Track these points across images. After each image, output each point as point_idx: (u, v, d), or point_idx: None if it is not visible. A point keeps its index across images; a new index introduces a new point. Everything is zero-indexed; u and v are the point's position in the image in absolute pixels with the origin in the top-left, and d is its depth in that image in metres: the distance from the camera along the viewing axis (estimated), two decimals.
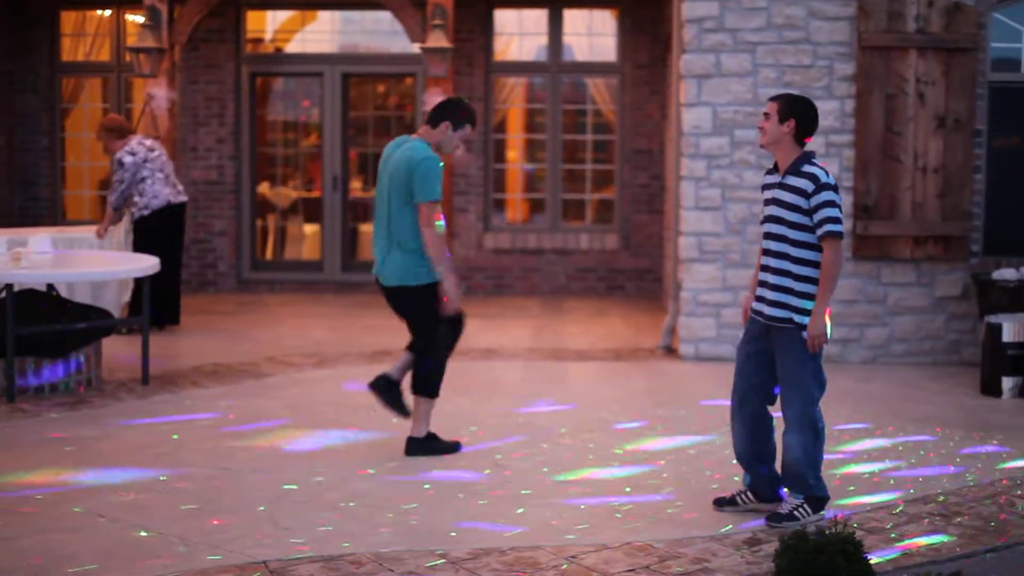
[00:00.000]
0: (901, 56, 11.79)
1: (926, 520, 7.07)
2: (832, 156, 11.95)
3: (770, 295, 7.01)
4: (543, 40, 16.81)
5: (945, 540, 6.71)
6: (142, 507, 7.14)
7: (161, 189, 12.86)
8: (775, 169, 7.11)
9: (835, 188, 6.90)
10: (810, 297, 6.92)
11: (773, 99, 7.10)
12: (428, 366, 8.37)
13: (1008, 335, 10.59)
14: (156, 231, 12.87)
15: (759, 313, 7.09)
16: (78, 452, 8.38)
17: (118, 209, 13.00)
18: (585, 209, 16.87)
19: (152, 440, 8.73)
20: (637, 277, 16.54)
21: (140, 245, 12.83)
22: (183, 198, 13.14)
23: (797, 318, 6.93)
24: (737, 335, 11.97)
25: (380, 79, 17.36)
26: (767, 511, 7.11)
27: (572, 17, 16.84)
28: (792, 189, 6.95)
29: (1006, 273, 11.38)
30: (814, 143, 11.90)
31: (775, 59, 11.96)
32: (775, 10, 11.95)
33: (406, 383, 8.53)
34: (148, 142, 13.02)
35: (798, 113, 7.02)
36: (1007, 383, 10.60)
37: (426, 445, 8.45)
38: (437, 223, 8.19)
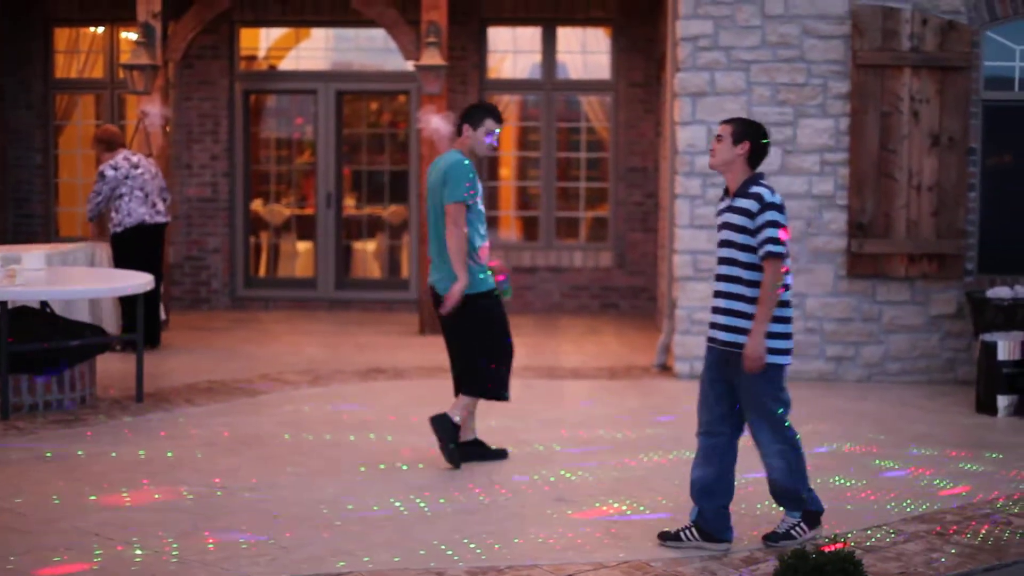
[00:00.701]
0: (895, 74, 11.81)
1: (924, 539, 7.06)
2: (827, 174, 11.95)
3: (723, 320, 6.91)
4: (537, 58, 16.83)
5: (943, 559, 6.70)
6: (136, 525, 7.11)
7: (136, 208, 12.80)
8: (727, 193, 7.02)
9: (780, 208, 6.79)
10: (778, 320, 6.84)
11: (726, 122, 7.03)
12: (482, 366, 8.59)
13: (1003, 353, 10.59)
14: (131, 250, 12.81)
15: (714, 340, 6.96)
16: (72, 470, 8.35)
17: (92, 220, 13.05)
18: (579, 227, 16.87)
19: (146, 458, 8.70)
20: (631, 295, 16.53)
21: (116, 262, 12.84)
22: (160, 219, 13.04)
23: (770, 343, 6.83)
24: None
25: (374, 96, 17.36)
26: (710, 550, 6.86)
27: (566, 35, 16.86)
28: (740, 211, 6.85)
29: (1001, 291, 11.37)
30: (809, 160, 11.92)
31: (769, 77, 11.97)
32: (769, 28, 11.96)
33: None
34: (134, 158, 12.97)
35: (752, 137, 6.95)
36: (1002, 401, 10.60)
37: (449, 431, 8.53)
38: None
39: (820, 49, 11.94)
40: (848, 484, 8.24)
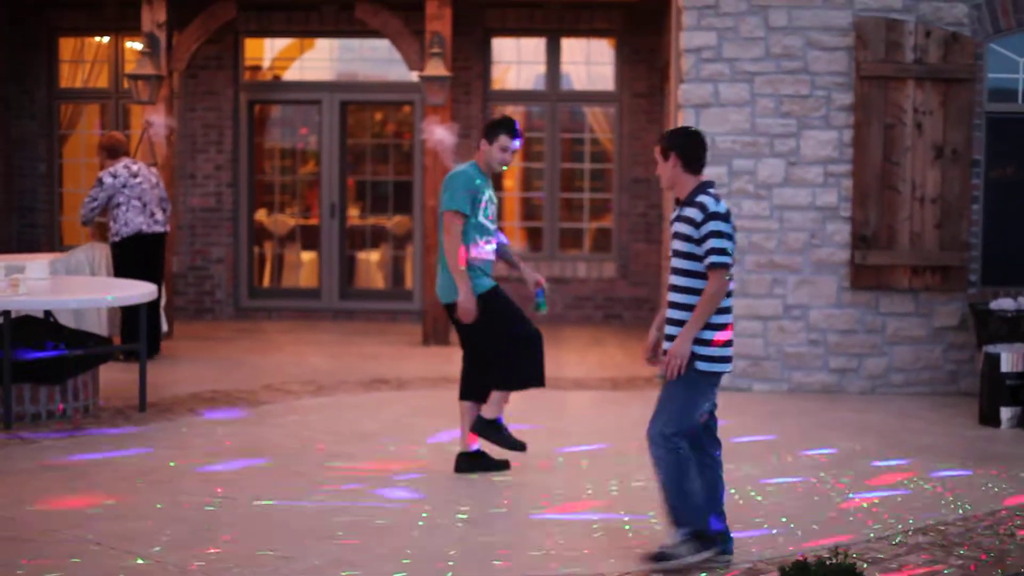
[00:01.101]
0: (899, 86, 11.81)
1: (926, 551, 7.05)
2: (830, 186, 11.96)
3: (670, 329, 6.85)
4: (541, 69, 16.84)
5: (946, 571, 6.69)
6: (138, 534, 7.11)
7: (134, 217, 12.80)
8: (677, 203, 6.94)
9: (725, 217, 6.69)
10: (708, 327, 6.75)
11: (657, 143, 7.00)
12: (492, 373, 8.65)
13: (1006, 365, 10.59)
14: (129, 259, 12.81)
15: (664, 350, 6.92)
16: (74, 479, 8.35)
17: (86, 224, 13.08)
18: (583, 238, 16.87)
19: (149, 467, 8.71)
20: (635, 306, 16.53)
21: (116, 271, 12.85)
22: (159, 228, 13.03)
23: (694, 348, 6.78)
24: (735, 364, 11.96)
25: (378, 107, 17.38)
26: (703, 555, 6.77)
27: (570, 46, 16.87)
28: (686, 220, 6.77)
29: (1004, 303, 11.37)
30: (813, 172, 11.92)
31: (773, 89, 11.98)
32: (773, 40, 11.97)
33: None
34: (134, 167, 12.95)
35: (677, 145, 6.86)
36: (1005, 413, 10.59)
37: (488, 429, 8.65)
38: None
39: (824, 61, 11.95)
40: (851, 496, 8.23)
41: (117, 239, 12.85)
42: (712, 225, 6.67)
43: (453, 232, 8.48)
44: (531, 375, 8.74)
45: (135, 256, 12.82)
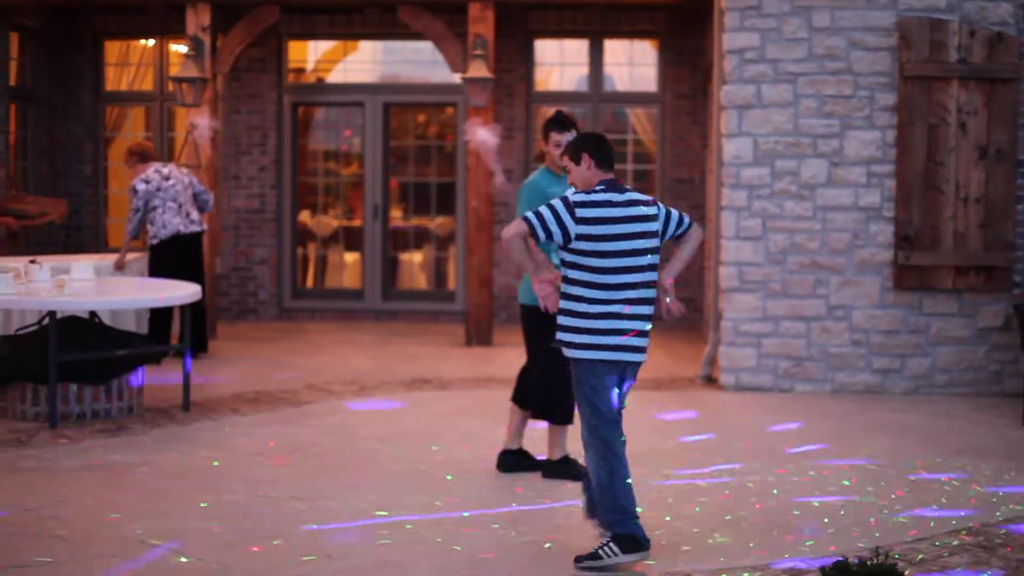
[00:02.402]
0: (943, 86, 11.76)
1: (969, 551, 7.01)
2: (873, 186, 11.92)
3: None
4: (584, 70, 16.84)
5: (988, 572, 6.66)
6: (182, 533, 7.16)
7: (171, 219, 12.87)
8: None
9: (566, 200, 6.69)
10: (569, 314, 6.75)
11: (564, 154, 7.03)
12: (535, 384, 8.54)
13: None
14: (167, 260, 12.89)
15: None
16: (118, 478, 8.41)
17: (136, 237, 13.11)
18: None
19: (192, 467, 8.76)
20: None
21: (153, 273, 12.92)
22: (195, 228, 13.08)
23: (562, 335, 6.81)
24: (778, 365, 11.95)
25: (421, 109, 17.43)
26: (631, 559, 6.69)
27: (613, 47, 16.87)
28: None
29: None
30: (856, 172, 11.89)
31: (816, 89, 11.95)
32: (816, 40, 11.94)
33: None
34: (165, 170, 13.00)
35: (586, 147, 6.89)
36: None
37: (560, 468, 8.54)
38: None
39: (867, 61, 11.91)
40: (894, 496, 8.20)
41: (156, 241, 12.92)
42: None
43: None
44: (550, 410, 8.59)
45: (173, 257, 12.90)
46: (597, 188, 6.81)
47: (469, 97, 14.27)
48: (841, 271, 11.97)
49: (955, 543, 7.18)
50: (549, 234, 6.69)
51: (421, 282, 17.33)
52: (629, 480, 6.76)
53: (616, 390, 6.82)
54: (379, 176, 16.89)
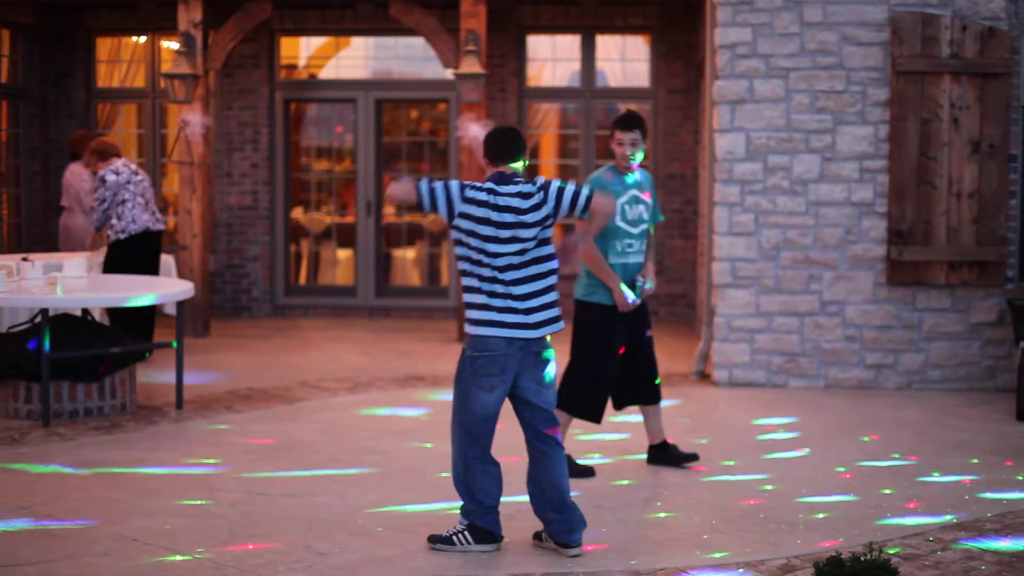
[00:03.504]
0: (935, 81, 11.77)
1: (963, 548, 7.02)
2: (866, 182, 11.92)
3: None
4: (576, 66, 16.84)
5: (982, 567, 6.66)
6: (176, 531, 7.15)
7: (140, 214, 12.68)
8: None
9: (446, 185, 6.82)
10: (470, 307, 6.87)
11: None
12: (565, 380, 8.68)
13: None
14: (130, 257, 12.66)
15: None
16: (111, 476, 8.40)
17: (99, 229, 12.85)
18: None
19: (185, 464, 8.75)
20: (670, 302, 16.52)
21: (111, 269, 12.63)
22: (161, 226, 12.94)
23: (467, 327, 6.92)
24: (771, 361, 11.96)
25: (413, 105, 17.43)
26: (569, 556, 6.82)
27: (605, 43, 16.87)
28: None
29: None
30: (848, 167, 11.89)
31: (808, 84, 11.95)
32: (808, 36, 11.94)
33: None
34: (133, 166, 12.86)
35: (484, 142, 7.00)
36: None
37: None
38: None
39: (859, 56, 11.91)
40: (887, 492, 8.21)
41: (124, 236, 12.64)
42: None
43: (586, 236, 8.46)
44: (593, 410, 8.72)
45: (139, 253, 12.70)
46: (484, 181, 6.92)
47: (461, 93, 14.27)
48: (834, 267, 11.98)
49: (949, 538, 7.19)
50: (435, 206, 6.82)
51: (414, 278, 17.33)
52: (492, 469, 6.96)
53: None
54: (372, 172, 16.88)
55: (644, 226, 8.65)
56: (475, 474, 6.92)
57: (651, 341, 8.84)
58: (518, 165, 6.98)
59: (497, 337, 6.82)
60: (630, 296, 8.55)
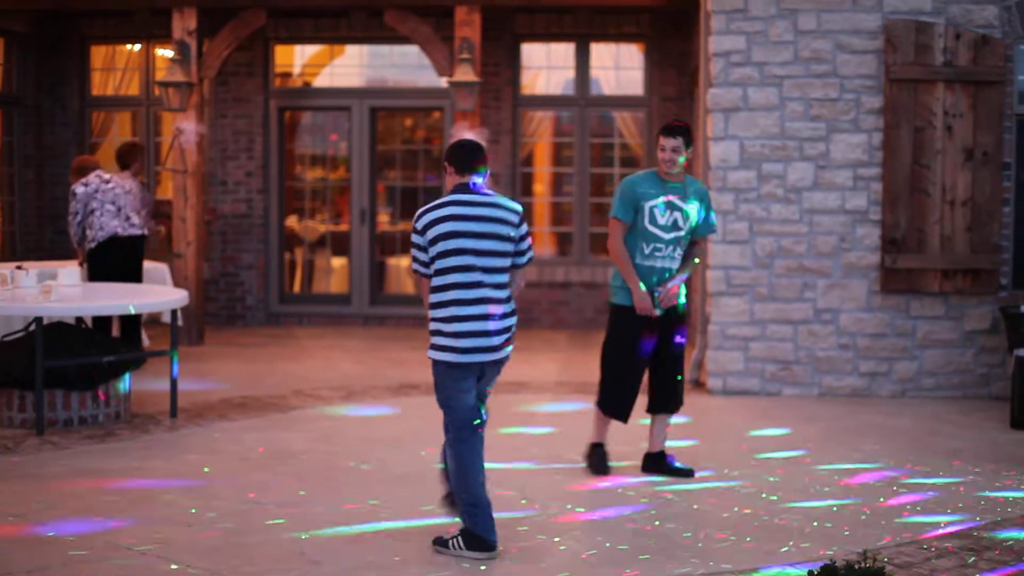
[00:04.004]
0: (929, 89, 11.78)
1: (957, 554, 7.03)
2: (860, 189, 11.93)
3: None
4: (570, 74, 16.86)
5: (976, 575, 6.67)
6: (170, 539, 7.15)
7: (108, 221, 12.60)
8: None
9: (417, 226, 6.96)
10: (434, 320, 6.96)
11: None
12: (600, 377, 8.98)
13: None
14: (104, 264, 12.63)
15: None
16: (107, 484, 8.39)
17: (80, 244, 12.80)
18: None
19: (180, 473, 8.74)
20: None
21: (93, 278, 12.63)
22: (135, 231, 12.79)
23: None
24: (765, 369, 11.97)
25: (408, 113, 17.43)
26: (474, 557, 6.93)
27: (599, 51, 16.88)
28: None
29: None
30: (842, 175, 11.91)
31: (802, 92, 11.97)
32: (802, 44, 11.96)
33: None
34: (106, 175, 12.80)
35: (448, 157, 7.17)
36: None
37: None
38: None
39: (853, 64, 11.93)
40: (882, 500, 8.22)
41: (93, 244, 12.63)
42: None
43: (612, 236, 8.74)
44: (615, 407, 8.89)
45: (112, 259, 12.65)
46: (440, 199, 7.07)
47: (456, 101, 14.28)
48: (828, 274, 11.99)
49: (943, 546, 7.19)
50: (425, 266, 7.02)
51: (408, 287, 17.32)
52: (477, 468, 7.03)
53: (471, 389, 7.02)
54: (366, 180, 16.89)
55: (678, 233, 8.67)
56: (462, 474, 7.01)
57: (679, 349, 8.88)
58: (480, 179, 7.11)
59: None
60: (649, 301, 8.65)
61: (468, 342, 6.87)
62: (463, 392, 6.96)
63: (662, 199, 8.63)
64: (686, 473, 8.82)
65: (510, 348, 7.06)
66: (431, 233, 6.89)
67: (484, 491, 6.98)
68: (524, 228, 7.07)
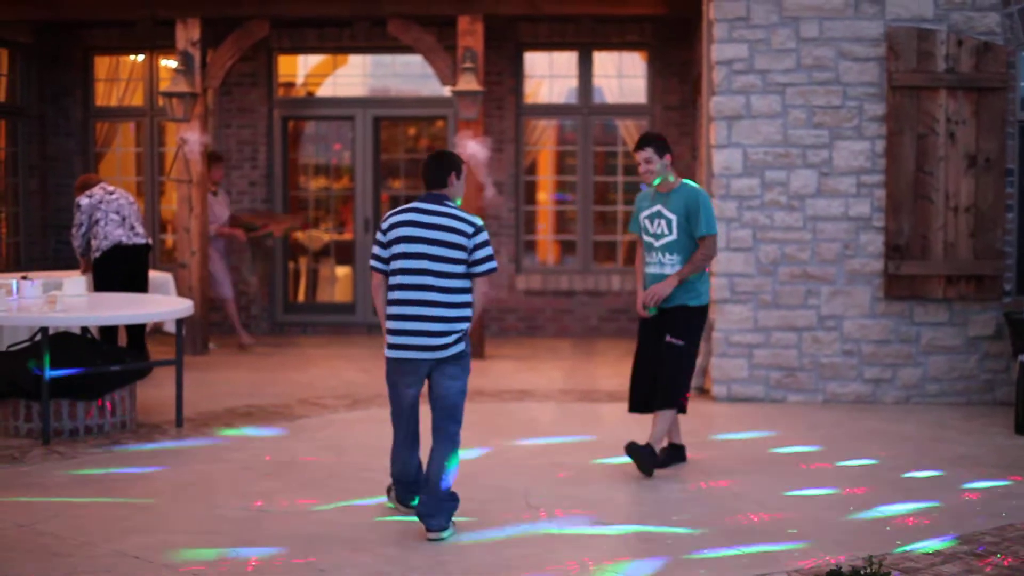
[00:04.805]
0: (931, 96, 11.80)
1: (962, 560, 7.04)
2: (863, 196, 11.95)
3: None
4: (573, 82, 16.88)
5: None
6: (176, 548, 7.16)
7: (112, 231, 12.63)
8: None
9: (382, 226, 7.67)
10: (386, 318, 7.63)
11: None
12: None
13: None
14: (109, 273, 12.64)
15: None
16: (111, 493, 8.41)
17: (84, 255, 12.85)
18: (616, 250, 16.89)
19: (186, 481, 8.76)
20: None
21: (98, 288, 12.65)
22: (140, 240, 12.81)
23: None
24: (770, 376, 11.97)
25: (411, 122, 17.45)
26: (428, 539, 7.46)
27: (602, 59, 16.90)
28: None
29: None
30: (846, 182, 11.93)
31: (805, 100, 11.98)
32: (804, 51, 11.98)
33: None
34: (110, 188, 12.86)
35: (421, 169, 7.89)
36: None
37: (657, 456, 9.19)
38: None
39: (855, 71, 11.95)
40: (887, 506, 8.22)
41: (99, 254, 12.65)
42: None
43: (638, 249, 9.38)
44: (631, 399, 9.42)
45: (117, 268, 12.67)
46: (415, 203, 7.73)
47: (459, 110, 14.30)
48: (832, 281, 12.00)
49: (948, 552, 7.20)
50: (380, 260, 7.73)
51: None
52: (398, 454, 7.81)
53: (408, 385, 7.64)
54: (370, 189, 16.91)
55: (668, 239, 9.14)
56: (394, 457, 7.86)
57: (671, 348, 9.13)
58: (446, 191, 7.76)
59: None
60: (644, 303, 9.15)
61: (405, 339, 7.51)
62: (402, 387, 7.60)
63: (652, 209, 9.22)
64: (643, 468, 9.03)
65: (460, 347, 7.56)
66: (391, 235, 7.59)
67: (404, 471, 7.79)
68: (480, 239, 7.55)
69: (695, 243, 9.09)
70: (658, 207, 9.16)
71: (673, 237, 9.10)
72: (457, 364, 7.56)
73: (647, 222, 9.20)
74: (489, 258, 7.56)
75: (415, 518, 7.69)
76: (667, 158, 9.14)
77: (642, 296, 9.15)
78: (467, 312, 7.55)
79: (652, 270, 9.18)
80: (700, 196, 9.13)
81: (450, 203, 7.63)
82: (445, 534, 7.43)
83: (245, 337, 15.27)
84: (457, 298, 7.51)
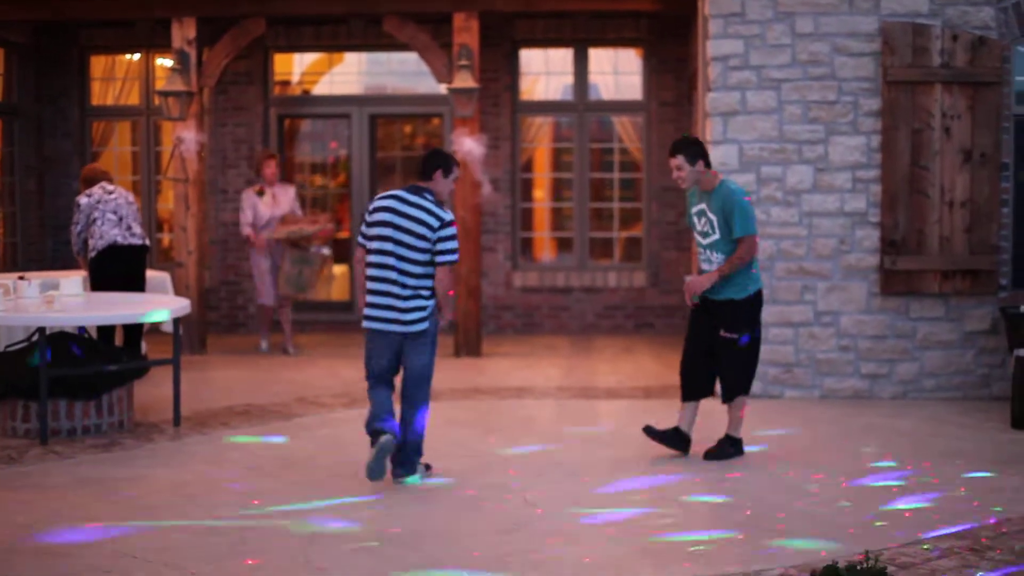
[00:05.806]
0: (926, 91, 11.81)
1: (958, 555, 7.05)
2: (859, 191, 11.96)
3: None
4: (569, 79, 16.89)
5: (978, 575, 6.69)
6: (175, 548, 7.17)
7: (109, 230, 12.59)
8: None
9: (368, 207, 8.80)
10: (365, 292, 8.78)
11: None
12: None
13: None
14: (105, 272, 12.61)
15: None
16: (110, 494, 8.42)
17: (80, 253, 12.84)
18: (613, 247, 16.90)
19: (184, 481, 8.77)
20: (666, 314, 16.55)
21: (93, 287, 12.63)
22: (136, 240, 12.75)
23: None
24: (767, 371, 11.98)
25: (407, 120, 17.46)
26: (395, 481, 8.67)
27: (597, 56, 16.91)
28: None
29: None
30: (841, 177, 11.94)
31: (800, 95, 11.99)
32: (800, 47, 11.99)
33: None
34: (110, 187, 12.83)
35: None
36: None
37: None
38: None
39: (851, 67, 11.96)
40: (883, 500, 8.23)
41: (94, 253, 12.63)
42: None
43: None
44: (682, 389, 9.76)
45: (112, 268, 12.63)
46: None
47: (455, 107, 14.31)
48: (828, 277, 12.01)
49: (944, 546, 7.21)
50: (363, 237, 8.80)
51: None
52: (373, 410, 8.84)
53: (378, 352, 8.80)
54: (366, 187, 16.92)
55: (713, 238, 9.37)
56: (371, 413, 8.84)
57: (728, 343, 9.45)
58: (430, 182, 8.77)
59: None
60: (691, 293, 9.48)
61: (374, 312, 8.72)
62: (375, 356, 8.81)
63: (699, 206, 9.46)
64: (678, 445, 9.58)
65: (422, 326, 8.62)
66: (373, 217, 8.66)
67: (378, 426, 8.70)
68: (445, 233, 8.51)
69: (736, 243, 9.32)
70: (703, 205, 9.41)
71: (717, 236, 9.34)
72: (422, 340, 8.68)
73: (696, 219, 9.48)
74: (451, 251, 8.53)
75: (414, 519, 7.69)
76: (699, 164, 9.30)
77: (684, 286, 9.50)
78: (426, 295, 8.59)
79: (703, 267, 9.50)
80: (735, 197, 9.29)
81: (429, 196, 8.64)
82: (409, 479, 8.70)
83: (289, 345, 15.04)
84: (418, 282, 8.54)
